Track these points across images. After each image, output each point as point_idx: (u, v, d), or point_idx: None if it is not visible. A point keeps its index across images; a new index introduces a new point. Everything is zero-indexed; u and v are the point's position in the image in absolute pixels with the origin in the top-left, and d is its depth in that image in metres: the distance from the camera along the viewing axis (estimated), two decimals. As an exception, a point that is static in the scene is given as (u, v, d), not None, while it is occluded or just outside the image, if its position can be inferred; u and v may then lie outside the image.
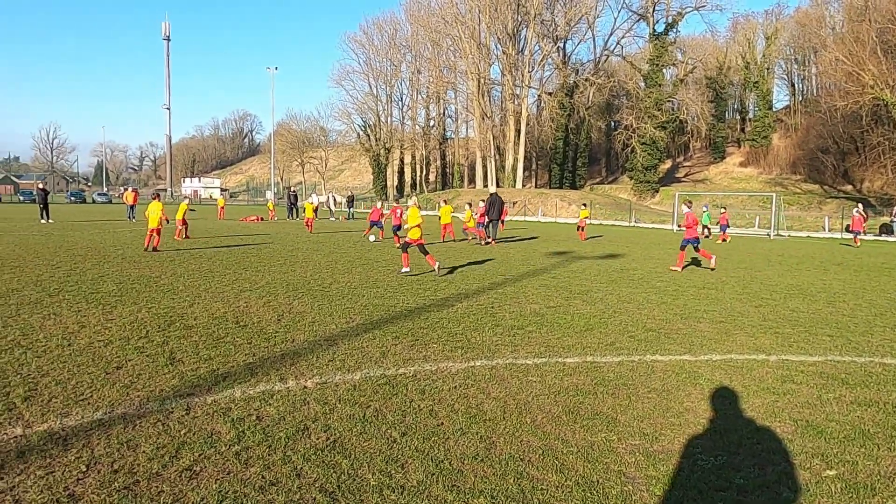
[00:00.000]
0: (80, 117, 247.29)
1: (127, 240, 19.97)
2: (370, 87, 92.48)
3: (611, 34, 73.49)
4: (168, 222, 17.76)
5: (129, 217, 32.94)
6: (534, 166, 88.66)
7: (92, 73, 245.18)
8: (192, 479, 3.72)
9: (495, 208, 22.15)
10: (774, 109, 77.50)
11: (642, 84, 68.57)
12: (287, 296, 10.08)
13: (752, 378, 6.14)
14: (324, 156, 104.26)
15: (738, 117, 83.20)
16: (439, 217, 24.10)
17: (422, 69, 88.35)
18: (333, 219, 41.23)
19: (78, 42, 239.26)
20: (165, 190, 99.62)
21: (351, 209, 45.38)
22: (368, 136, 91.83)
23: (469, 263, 15.58)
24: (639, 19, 69.82)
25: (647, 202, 64.79)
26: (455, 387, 5.60)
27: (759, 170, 70.89)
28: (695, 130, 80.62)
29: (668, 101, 68.07)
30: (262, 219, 36.70)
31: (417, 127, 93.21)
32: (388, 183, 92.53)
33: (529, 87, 72.54)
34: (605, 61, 76.78)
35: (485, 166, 77.18)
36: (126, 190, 43.50)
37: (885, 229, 35.20)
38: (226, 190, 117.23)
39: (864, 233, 30.34)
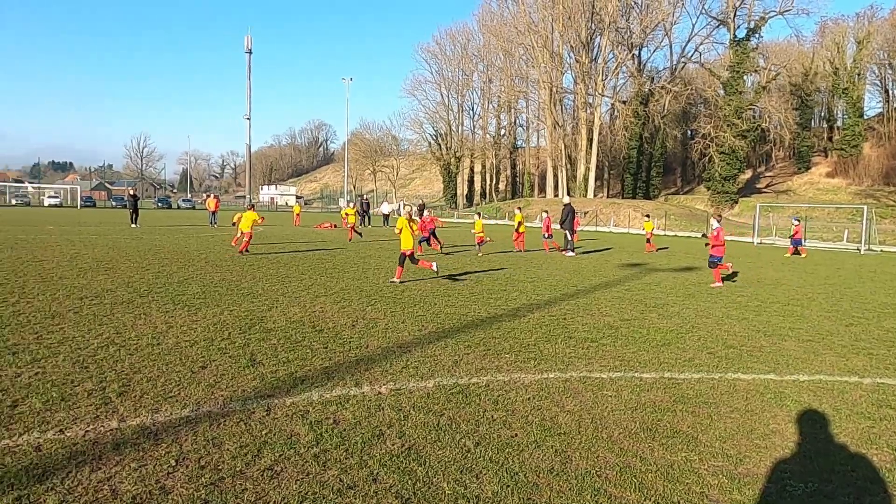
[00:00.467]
0: (167, 127, 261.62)
1: (209, 245, 20.86)
2: (442, 97, 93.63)
3: (688, 41, 71.75)
4: (262, 224, 19.78)
5: (211, 223, 34.37)
6: (606, 176, 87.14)
7: (179, 85, 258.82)
8: (274, 478, 3.83)
9: (568, 218, 21.94)
10: (866, 117, 73.27)
11: (721, 91, 66.41)
12: (361, 302, 10.27)
13: (843, 401, 5.81)
14: (395, 164, 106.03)
15: (826, 125, 79.28)
16: (516, 226, 23.78)
17: (493, 78, 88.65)
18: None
19: (167, 57, 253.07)
20: (255, 200, 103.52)
21: (420, 218, 45.81)
22: (439, 144, 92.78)
23: (466, 273, 15.44)
24: (718, 25, 67.74)
25: (725, 213, 62.47)
26: (528, 398, 5.55)
27: (848, 181, 67.17)
28: (777, 139, 77.16)
29: (749, 108, 65.53)
30: (335, 226, 37.57)
31: (488, 136, 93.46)
32: (458, 191, 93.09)
33: (603, 96, 71.52)
34: (682, 68, 74.85)
35: (556, 176, 76.52)
36: (208, 197, 45.46)
37: None
38: (301, 197, 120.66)
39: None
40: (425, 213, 22.63)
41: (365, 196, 50.34)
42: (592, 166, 70.71)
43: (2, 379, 5.47)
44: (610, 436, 4.74)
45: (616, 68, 71.87)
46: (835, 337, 8.85)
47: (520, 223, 23.15)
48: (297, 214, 42.91)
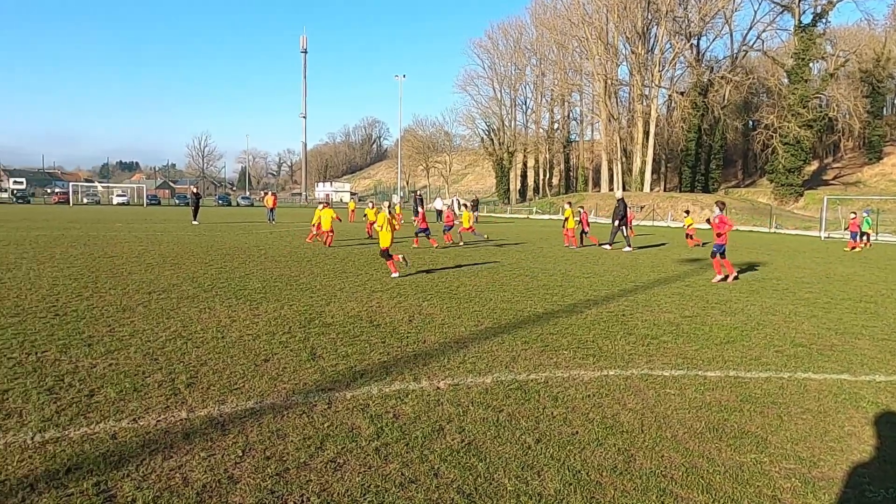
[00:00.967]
0: (227, 127, 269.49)
1: (268, 241, 21.36)
2: (494, 92, 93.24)
3: (750, 28, 69.33)
4: (340, 221, 20.95)
5: (270, 219, 35.16)
6: (662, 169, 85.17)
7: (238, 86, 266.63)
8: (337, 470, 3.88)
9: (619, 212, 21.59)
10: (943, 104, 69.36)
11: (785, 80, 63.91)
12: (416, 297, 10.32)
13: (925, 403, 5.50)
14: (448, 160, 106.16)
15: (899, 113, 75.36)
16: (563, 221, 23.63)
17: (546, 72, 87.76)
18: (458, 222, 41.77)
19: (226, 59, 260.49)
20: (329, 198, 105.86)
21: (475, 213, 45.84)
22: (492, 140, 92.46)
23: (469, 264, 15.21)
24: (782, 11, 65.09)
25: (789, 206, 60.22)
26: (588, 395, 5.47)
27: (924, 171, 63.75)
28: (846, 128, 73.90)
29: (816, 97, 62.86)
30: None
31: (541, 130, 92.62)
32: (511, 187, 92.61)
33: (659, 87, 69.85)
34: (744, 57, 72.40)
35: (610, 169, 75.26)
36: (266, 194, 46.53)
37: None
38: (355, 194, 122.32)
39: None
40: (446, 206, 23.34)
41: (418, 192, 50.59)
42: (649, 159, 69.19)
43: (79, 369, 5.73)
44: (674, 435, 4.62)
45: (673, 58, 70.07)
46: (913, 336, 8.40)
47: (567, 218, 22.86)
48: (352, 211, 43.46)
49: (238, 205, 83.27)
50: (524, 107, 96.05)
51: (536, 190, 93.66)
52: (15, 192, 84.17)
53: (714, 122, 71.55)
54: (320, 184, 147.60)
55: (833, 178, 71.75)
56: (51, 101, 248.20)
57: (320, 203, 21.38)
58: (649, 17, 69.28)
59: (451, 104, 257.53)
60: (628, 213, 22.33)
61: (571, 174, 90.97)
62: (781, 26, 68.01)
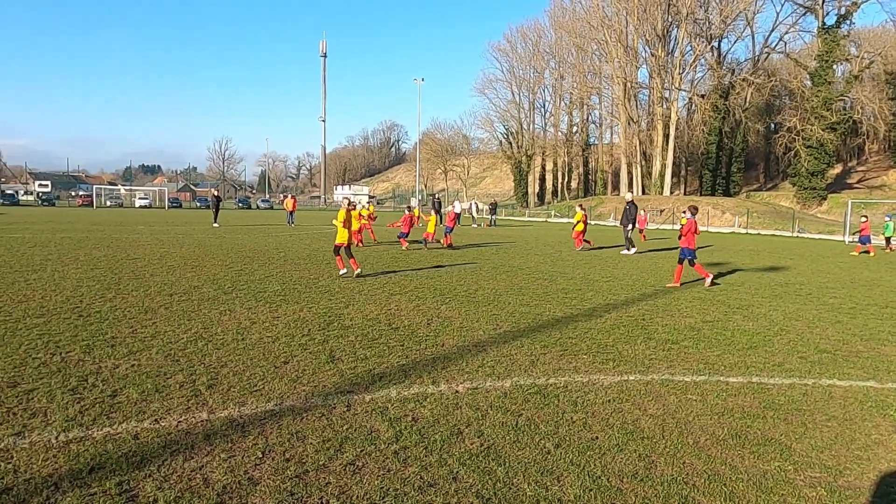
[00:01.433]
0: (247, 130, 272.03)
1: (288, 243, 21.49)
2: (513, 95, 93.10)
3: (772, 30, 68.30)
4: (373, 219, 21.89)
5: (289, 222, 35.39)
6: (683, 172, 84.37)
7: (258, 89, 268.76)
8: (356, 473, 3.89)
9: (628, 216, 21.45)
10: (972, 106, 67.88)
11: (808, 82, 62.98)
12: (435, 300, 10.32)
13: (955, 412, 5.38)
14: (466, 163, 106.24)
15: (926, 116, 73.85)
16: (574, 224, 23.25)
17: (565, 75, 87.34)
18: (476, 225, 41.82)
19: (246, 63, 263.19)
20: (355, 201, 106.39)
21: (494, 216, 45.80)
22: (510, 143, 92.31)
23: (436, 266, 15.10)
24: (805, 12, 64.13)
25: (812, 210, 59.34)
26: (608, 400, 5.42)
27: (952, 175, 62.50)
28: (871, 131, 72.65)
29: (840, 99, 61.83)
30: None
31: (560, 133, 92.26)
32: (529, 190, 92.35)
33: (680, 90, 69.21)
34: (766, 59, 71.45)
35: (630, 173, 74.73)
36: (286, 197, 46.87)
37: None
38: (373, 197, 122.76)
39: None
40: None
41: (437, 195, 50.65)
42: (669, 163, 68.58)
43: (102, 370, 5.80)
44: (696, 441, 4.57)
45: (694, 61, 69.39)
46: (941, 342, 8.22)
47: (579, 221, 22.62)
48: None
49: (258, 208, 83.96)
50: (543, 110, 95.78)
51: (555, 193, 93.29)
52: (40, 194, 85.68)
53: (735, 124, 70.73)
54: (339, 186, 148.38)
55: (857, 182, 70.58)
56: (76, 107, 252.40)
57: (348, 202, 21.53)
58: (669, 19, 68.74)
59: (470, 107, 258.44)
60: (640, 216, 22.16)
61: (590, 177, 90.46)
62: (804, 28, 67.05)
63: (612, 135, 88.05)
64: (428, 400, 5.29)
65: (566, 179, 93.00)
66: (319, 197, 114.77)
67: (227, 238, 23.26)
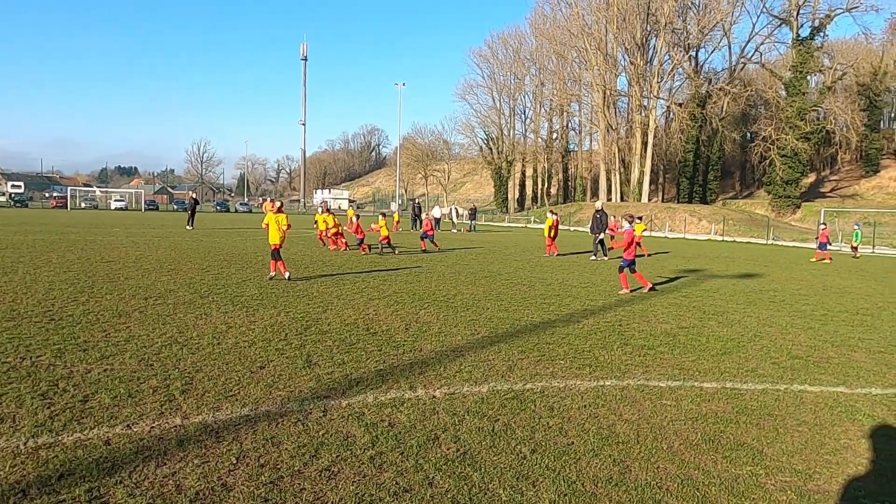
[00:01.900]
0: (226, 133, 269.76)
1: (266, 247, 21.28)
2: (494, 101, 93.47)
3: (748, 41, 69.60)
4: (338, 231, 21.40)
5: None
6: (661, 180, 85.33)
7: (237, 92, 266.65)
8: (331, 479, 3.86)
9: (598, 224, 21.63)
10: (940, 118, 69.68)
11: (783, 93, 64.19)
12: (413, 305, 10.31)
13: (921, 417, 5.50)
14: (446, 168, 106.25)
15: (896, 127, 75.70)
16: (546, 231, 23.05)
17: (546, 82, 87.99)
18: (456, 230, 41.88)
19: (226, 65, 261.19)
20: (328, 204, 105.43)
21: (473, 221, 45.90)
22: (491, 149, 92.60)
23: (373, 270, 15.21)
24: (780, 24, 65.40)
25: (786, 218, 60.35)
26: (584, 406, 5.46)
27: (921, 184, 63.97)
28: (843, 141, 74.16)
29: (813, 110, 63.12)
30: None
31: (540, 140, 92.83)
32: (509, 196, 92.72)
33: (658, 98, 70.05)
34: (742, 69, 72.70)
35: (609, 179, 75.39)
36: (265, 200, 46.52)
37: None
38: (353, 201, 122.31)
39: None
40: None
41: (417, 200, 50.65)
42: (647, 170, 69.31)
43: (73, 375, 5.70)
44: (670, 446, 4.61)
45: (672, 70, 70.32)
46: (909, 349, 8.40)
47: (551, 227, 22.59)
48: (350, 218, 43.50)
49: (236, 211, 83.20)
50: (523, 116, 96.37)
51: (535, 199, 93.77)
52: (13, 195, 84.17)
53: (712, 133, 71.79)
54: (319, 190, 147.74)
55: (830, 191, 71.98)
56: (51, 106, 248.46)
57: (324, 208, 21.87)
58: (648, 28, 69.60)
59: (451, 113, 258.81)
60: (611, 223, 22.44)
61: (570, 184, 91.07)
62: (779, 39, 68.37)
63: (591, 142, 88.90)
64: (405, 405, 5.28)
65: (546, 185, 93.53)
66: (299, 201, 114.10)
67: (205, 241, 23.03)
